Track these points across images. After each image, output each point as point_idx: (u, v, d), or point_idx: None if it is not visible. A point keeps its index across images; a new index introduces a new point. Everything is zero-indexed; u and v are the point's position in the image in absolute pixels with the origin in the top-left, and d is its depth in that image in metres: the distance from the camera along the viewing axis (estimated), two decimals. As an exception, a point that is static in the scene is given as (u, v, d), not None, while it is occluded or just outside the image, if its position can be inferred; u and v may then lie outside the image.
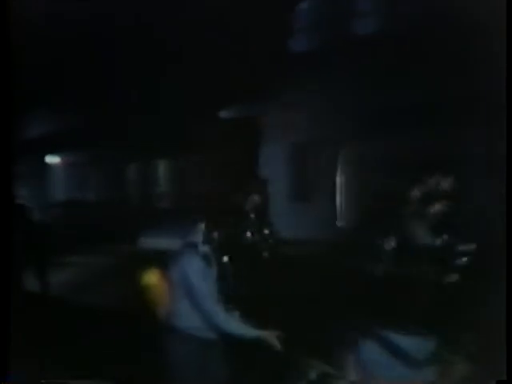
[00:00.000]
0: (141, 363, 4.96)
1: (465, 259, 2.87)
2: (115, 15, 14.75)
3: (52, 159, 24.12)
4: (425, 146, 9.91)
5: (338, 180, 13.05)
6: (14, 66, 4.43)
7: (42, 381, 4.14)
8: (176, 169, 19.93)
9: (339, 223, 12.95)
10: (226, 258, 3.33)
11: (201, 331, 3.29)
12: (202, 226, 3.36)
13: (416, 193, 2.95)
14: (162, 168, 21.01)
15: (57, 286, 8.91)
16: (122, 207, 18.71)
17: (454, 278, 2.87)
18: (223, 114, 15.38)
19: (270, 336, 3.35)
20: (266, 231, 3.48)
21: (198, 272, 3.24)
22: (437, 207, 2.93)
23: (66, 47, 16.10)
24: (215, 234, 3.31)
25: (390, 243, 2.89)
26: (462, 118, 10.14)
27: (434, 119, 10.54)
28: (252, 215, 3.44)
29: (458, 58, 10.12)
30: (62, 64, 16.56)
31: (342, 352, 3.14)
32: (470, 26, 9.45)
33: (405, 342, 2.94)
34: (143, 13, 14.45)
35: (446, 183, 3.02)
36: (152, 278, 3.39)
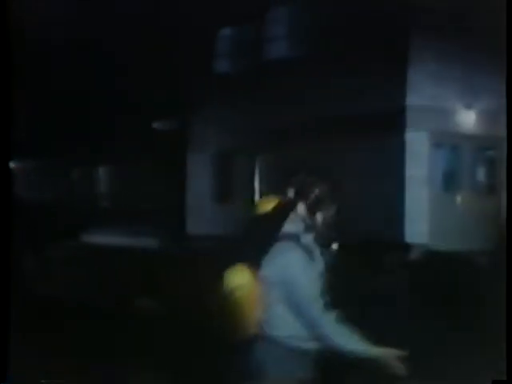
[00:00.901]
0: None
1: None
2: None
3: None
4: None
5: (256, 184, 14.55)
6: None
7: (42, 381, 4.12)
8: (118, 173, 21.12)
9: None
10: (335, 246, 2.75)
11: (301, 341, 2.62)
12: (299, 212, 2.68)
13: None
14: (104, 173, 21.95)
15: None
16: (69, 207, 19.50)
17: None
18: (156, 125, 17.66)
19: (390, 355, 2.56)
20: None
21: (301, 268, 2.59)
22: None
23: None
24: (319, 219, 2.66)
25: None
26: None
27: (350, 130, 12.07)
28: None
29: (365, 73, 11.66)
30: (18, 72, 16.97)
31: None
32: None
33: None
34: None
35: None
36: (240, 277, 2.59)
